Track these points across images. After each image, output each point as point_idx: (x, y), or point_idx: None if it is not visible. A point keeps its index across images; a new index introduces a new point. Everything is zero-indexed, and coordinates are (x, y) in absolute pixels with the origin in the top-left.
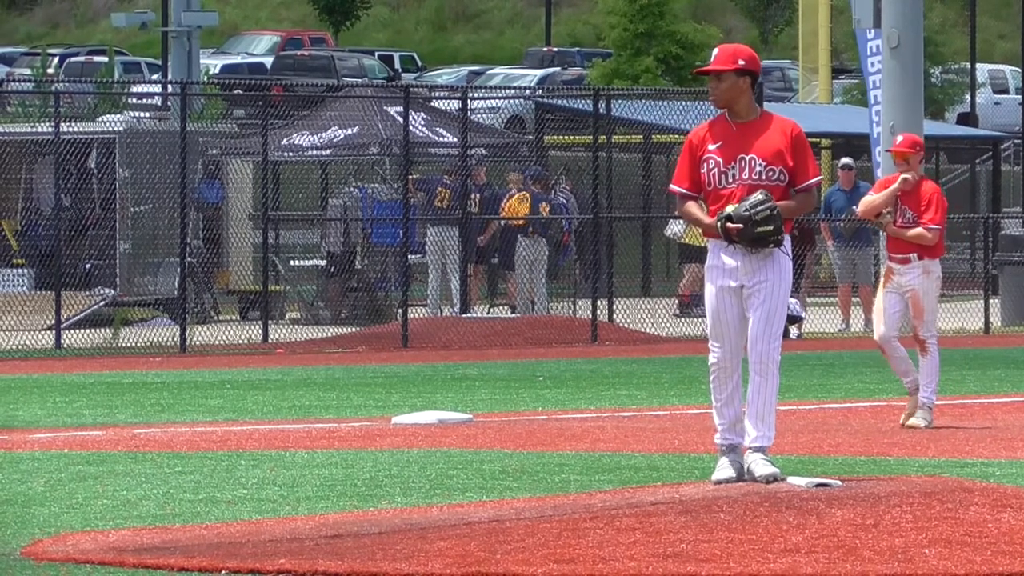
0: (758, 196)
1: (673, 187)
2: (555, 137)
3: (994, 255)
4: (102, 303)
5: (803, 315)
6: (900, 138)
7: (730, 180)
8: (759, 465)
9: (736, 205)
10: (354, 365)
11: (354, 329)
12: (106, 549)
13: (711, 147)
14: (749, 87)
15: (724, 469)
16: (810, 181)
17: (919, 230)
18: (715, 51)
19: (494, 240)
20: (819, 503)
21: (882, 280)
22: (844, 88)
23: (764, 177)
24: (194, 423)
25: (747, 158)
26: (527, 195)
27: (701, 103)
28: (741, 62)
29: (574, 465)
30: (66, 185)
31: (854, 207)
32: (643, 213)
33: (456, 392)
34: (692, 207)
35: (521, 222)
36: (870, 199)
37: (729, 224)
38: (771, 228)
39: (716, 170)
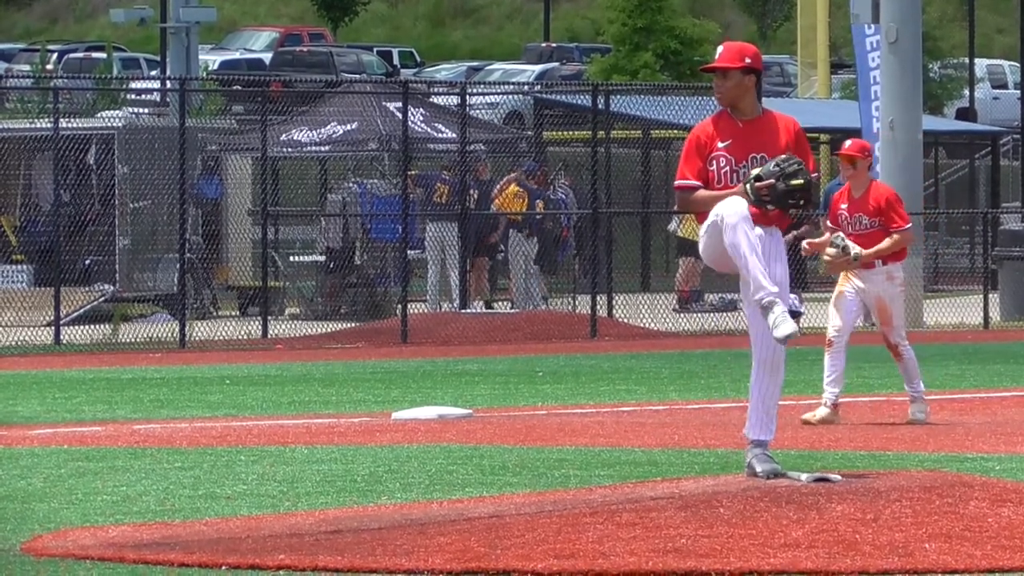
0: (782, 155)
1: (681, 182)
2: (554, 132)
3: (993, 250)
4: (101, 299)
5: (803, 310)
6: (848, 142)
7: (741, 178)
8: (760, 460)
9: (760, 168)
10: (353, 360)
11: (353, 325)
12: (106, 545)
13: (720, 145)
14: (754, 85)
15: (785, 326)
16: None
17: (895, 237)
18: (720, 48)
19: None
20: (819, 498)
21: (840, 278)
22: (843, 83)
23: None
24: (193, 419)
25: (758, 157)
26: (525, 192)
27: (700, 98)
28: (747, 60)
29: (574, 460)
30: (65, 181)
31: None
32: (642, 208)
33: (456, 387)
34: (704, 193)
35: (517, 218)
36: (812, 242)
37: (758, 183)
38: (802, 182)
39: (727, 168)
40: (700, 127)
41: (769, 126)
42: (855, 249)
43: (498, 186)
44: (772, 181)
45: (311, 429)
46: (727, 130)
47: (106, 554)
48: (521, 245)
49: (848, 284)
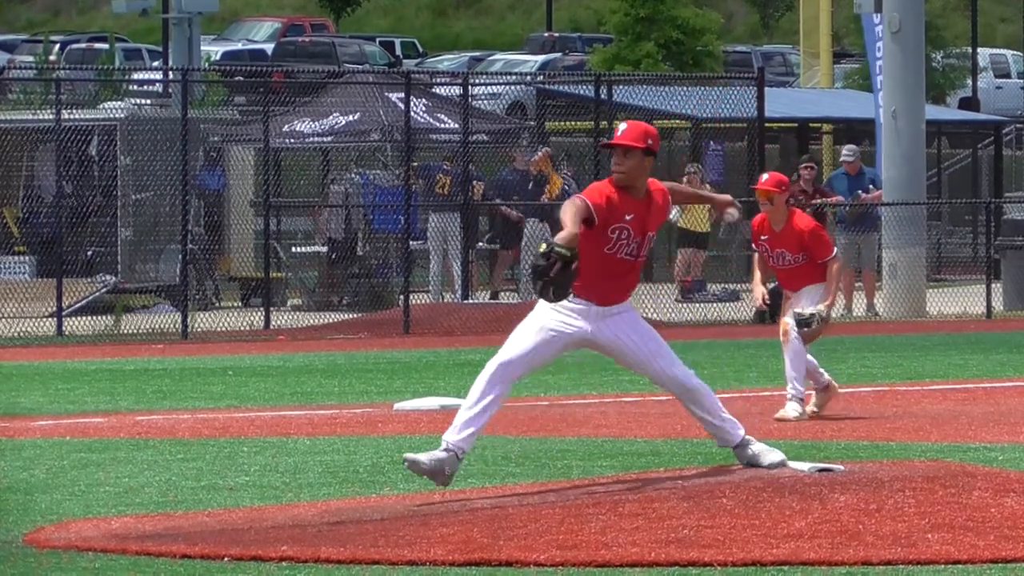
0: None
1: (585, 199)
2: (556, 123)
3: (996, 240)
4: (104, 290)
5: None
6: (766, 176)
7: (630, 254)
8: (764, 453)
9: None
10: (356, 351)
11: (356, 315)
12: (108, 536)
13: (627, 217)
14: (650, 166)
15: None
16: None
17: (831, 272)
18: (623, 125)
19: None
20: (822, 488)
21: (782, 311)
22: (845, 73)
23: (643, 253)
24: (196, 410)
25: (649, 236)
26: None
27: (702, 88)
28: (649, 142)
29: (577, 451)
30: (67, 172)
31: (859, 191)
32: None
33: (458, 378)
34: (579, 214)
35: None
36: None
37: (557, 250)
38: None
39: (626, 240)
40: (605, 188)
41: (654, 204)
42: (816, 309)
43: (541, 153)
44: (560, 265)
45: (313, 420)
46: (629, 203)
47: (109, 545)
48: (538, 235)
49: (787, 313)
